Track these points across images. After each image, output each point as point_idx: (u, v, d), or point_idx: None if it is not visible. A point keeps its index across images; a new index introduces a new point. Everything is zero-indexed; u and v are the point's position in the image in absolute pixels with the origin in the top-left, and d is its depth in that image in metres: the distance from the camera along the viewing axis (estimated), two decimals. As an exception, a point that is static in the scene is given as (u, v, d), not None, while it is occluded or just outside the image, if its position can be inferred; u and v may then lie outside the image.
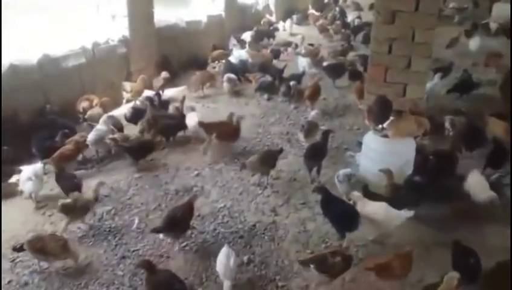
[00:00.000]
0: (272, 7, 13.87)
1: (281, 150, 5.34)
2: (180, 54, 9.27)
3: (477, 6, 15.18)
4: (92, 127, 5.90)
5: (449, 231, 4.17)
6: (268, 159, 5.10)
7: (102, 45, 7.28)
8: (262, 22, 12.82)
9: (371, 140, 4.80)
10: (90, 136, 5.60)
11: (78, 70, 6.81)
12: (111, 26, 7.61)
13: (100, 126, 5.78)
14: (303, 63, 9.01)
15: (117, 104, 7.39)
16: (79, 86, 6.83)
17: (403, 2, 6.09)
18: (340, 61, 9.18)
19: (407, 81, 6.42)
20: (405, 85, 6.43)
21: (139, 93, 7.33)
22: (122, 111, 6.86)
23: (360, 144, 5.24)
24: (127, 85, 7.43)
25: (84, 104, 6.45)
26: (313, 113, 6.59)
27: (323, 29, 12.69)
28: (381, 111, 4.92)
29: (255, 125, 6.83)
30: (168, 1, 13.63)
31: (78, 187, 4.71)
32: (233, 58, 9.52)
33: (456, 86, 8.00)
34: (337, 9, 15.46)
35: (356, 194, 4.27)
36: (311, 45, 10.71)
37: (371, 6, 16.51)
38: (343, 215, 4.06)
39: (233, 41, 10.92)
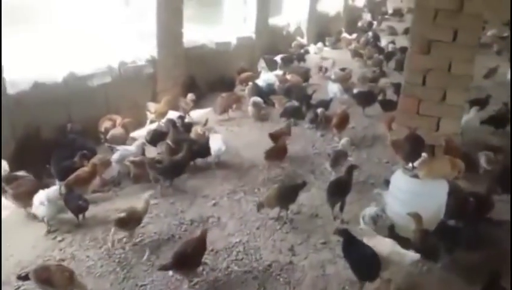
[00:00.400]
0: (304, 29, 13.70)
1: (303, 184, 5.05)
2: (207, 75, 9.18)
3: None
4: (112, 148, 5.79)
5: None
6: (288, 195, 4.83)
7: (129, 64, 7.23)
8: (293, 45, 12.66)
9: (400, 179, 4.48)
10: (115, 155, 5.63)
11: (104, 89, 6.76)
12: (139, 46, 7.56)
13: (131, 148, 5.86)
14: (334, 89, 8.75)
15: (141, 124, 7.31)
16: (104, 105, 6.78)
17: (440, 31, 5.82)
18: (371, 89, 8.86)
19: (442, 115, 6.09)
20: (439, 119, 6.11)
21: (163, 114, 7.22)
22: (144, 132, 6.74)
23: (387, 182, 4.92)
24: (151, 106, 7.35)
25: (106, 124, 6.37)
26: (343, 141, 6.29)
27: (355, 54, 12.43)
28: (413, 149, 4.61)
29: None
30: (200, 19, 13.80)
31: (84, 209, 4.65)
32: (260, 81, 9.37)
33: (491, 119, 7.57)
34: (370, 33, 15.20)
35: (364, 227, 4.02)
36: (343, 69, 10.46)
37: (406, 31, 16.24)
38: (365, 262, 3.75)
39: (262, 63, 10.79)
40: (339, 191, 4.89)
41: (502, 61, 12.00)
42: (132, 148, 5.92)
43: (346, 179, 4.95)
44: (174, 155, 5.73)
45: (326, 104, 8.10)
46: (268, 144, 6.41)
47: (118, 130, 6.35)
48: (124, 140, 6.34)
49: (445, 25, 5.75)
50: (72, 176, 5.01)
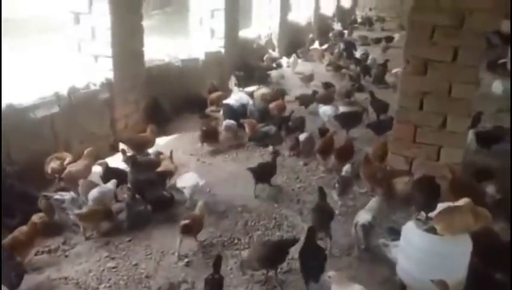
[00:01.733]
0: (275, 41, 12.94)
1: (293, 241, 4.21)
2: (174, 97, 8.24)
3: (492, 46, 14.32)
4: (48, 197, 4.75)
5: None
6: (275, 255, 3.98)
7: (81, 90, 6.24)
8: (265, 58, 11.88)
9: (413, 234, 3.69)
10: (93, 194, 4.83)
11: (50, 121, 5.75)
12: (92, 68, 6.58)
13: (109, 185, 5.09)
14: (327, 111, 7.85)
15: (99, 157, 6.29)
16: (51, 140, 5.76)
17: (438, 50, 5.14)
18: (354, 109, 8.12)
19: (442, 143, 5.42)
20: (439, 147, 5.44)
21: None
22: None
23: (393, 231, 4.16)
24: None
25: (53, 164, 5.35)
26: (346, 168, 5.48)
27: (336, 67, 11.67)
28: (426, 197, 3.85)
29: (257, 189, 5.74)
30: (164, 30, 12.90)
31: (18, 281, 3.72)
32: (232, 101, 8.53)
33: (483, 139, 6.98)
34: (342, 44, 14.57)
35: (332, 273, 3.48)
36: (326, 85, 9.68)
37: (377, 41, 15.79)
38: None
39: (233, 80, 9.94)
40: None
41: (482, 72, 11.60)
42: (110, 186, 5.08)
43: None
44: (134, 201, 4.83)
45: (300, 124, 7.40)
46: (247, 178, 5.60)
47: (76, 166, 5.36)
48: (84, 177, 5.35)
49: (443, 43, 5.10)
50: (7, 240, 4.02)
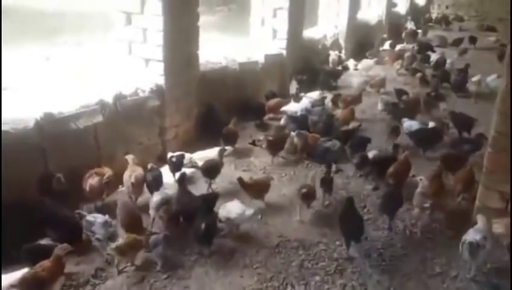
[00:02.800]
0: (342, 41, 11.98)
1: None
2: (229, 103, 7.61)
3: None
4: (89, 222, 4.24)
5: None
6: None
7: (128, 96, 5.75)
8: (331, 60, 10.97)
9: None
10: (155, 198, 4.67)
11: (93, 130, 5.29)
12: (143, 73, 6.08)
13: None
14: (413, 127, 6.81)
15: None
16: (93, 151, 5.31)
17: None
18: (435, 123, 7.04)
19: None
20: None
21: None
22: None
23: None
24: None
25: (92, 181, 4.85)
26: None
27: (413, 72, 10.55)
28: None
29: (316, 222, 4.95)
30: (225, 27, 12.35)
31: None
32: (297, 108, 7.80)
33: None
34: (415, 46, 13.28)
35: None
36: (402, 93, 8.65)
37: (456, 42, 14.30)
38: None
39: (294, 84, 9.17)
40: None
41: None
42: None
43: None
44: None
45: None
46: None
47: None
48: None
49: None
50: (27, 274, 3.54)
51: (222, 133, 6.61)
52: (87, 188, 4.84)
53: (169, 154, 5.83)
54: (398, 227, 4.90)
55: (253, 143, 6.98)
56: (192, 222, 4.40)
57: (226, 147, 6.41)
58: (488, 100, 9.41)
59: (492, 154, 4.51)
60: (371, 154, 6.23)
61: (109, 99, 5.49)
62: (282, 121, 7.42)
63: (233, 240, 4.57)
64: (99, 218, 4.24)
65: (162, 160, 6.14)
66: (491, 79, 9.73)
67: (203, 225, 4.18)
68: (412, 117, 7.23)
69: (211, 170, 5.57)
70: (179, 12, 6.12)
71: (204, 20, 7.15)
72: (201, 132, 6.97)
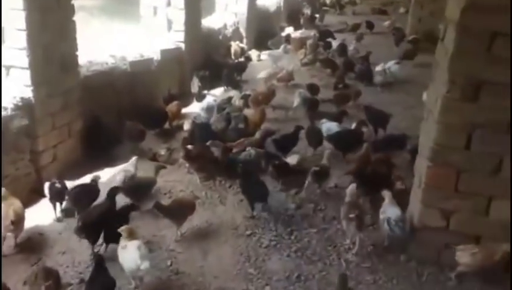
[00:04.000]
0: (243, 30, 11.13)
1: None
2: (122, 111, 6.41)
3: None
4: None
5: None
6: None
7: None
8: (233, 52, 10.09)
9: None
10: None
11: None
12: (3, 85, 4.68)
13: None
14: (332, 129, 6.22)
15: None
16: None
17: (497, 68, 3.64)
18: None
19: (493, 193, 3.97)
20: (489, 199, 3.99)
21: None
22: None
23: None
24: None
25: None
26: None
27: (327, 64, 9.95)
28: None
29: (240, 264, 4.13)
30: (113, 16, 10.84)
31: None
32: (200, 109, 6.89)
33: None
34: (315, 32, 12.83)
35: None
36: (314, 89, 8.04)
37: (354, 28, 14.22)
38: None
39: (196, 82, 8.16)
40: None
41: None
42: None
43: None
44: None
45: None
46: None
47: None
48: None
49: (506, 57, 3.58)
50: None
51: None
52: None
53: (47, 183, 4.62)
54: (332, 257, 4.26)
55: (154, 158, 5.90)
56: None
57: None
58: (393, 89, 9.36)
59: (432, 169, 4.01)
60: (291, 160, 5.61)
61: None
62: (185, 126, 6.46)
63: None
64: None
65: (37, 193, 4.87)
66: (391, 65, 9.62)
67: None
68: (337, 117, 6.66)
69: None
70: (47, 4, 4.79)
71: (87, 3, 5.85)
72: (87, 149, 5.73)
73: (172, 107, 6.84)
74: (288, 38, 11.55)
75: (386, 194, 4.38)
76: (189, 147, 5.44)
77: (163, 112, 6.80)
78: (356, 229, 4.19)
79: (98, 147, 5.73)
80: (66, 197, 4.55)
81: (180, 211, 4.25)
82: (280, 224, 4.64)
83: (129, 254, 3.60)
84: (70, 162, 5.41)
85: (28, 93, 4.77)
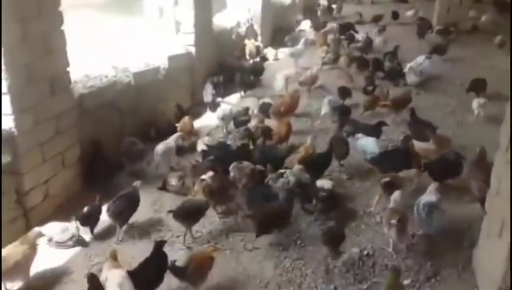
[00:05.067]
0: (257, 27, 10.17)
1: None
2: (126, 131, 5.56)
3: None
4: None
5: None
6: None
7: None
8: (248, 52, 9.14)
9: None
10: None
11: None
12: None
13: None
14: (370, 147, 5.27)
15: None
16: None
17: None
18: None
19: None
20: None
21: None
22: None
23: None
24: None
25: None
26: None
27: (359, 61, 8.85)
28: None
29: None
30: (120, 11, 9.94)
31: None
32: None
33: None
34: (335, 24, 11.78)
35: None
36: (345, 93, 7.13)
37: (376, 19, 13.14)
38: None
39: (209, 89, 7.26)
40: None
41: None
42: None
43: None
44: None
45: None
46: None
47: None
48: None
49: None
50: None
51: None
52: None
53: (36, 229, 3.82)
54: None
55: (164, 187, 5.04)
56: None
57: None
58: (428, 89, 8.30)
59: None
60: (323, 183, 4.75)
61: None
62: (199, 146, 5.60)
63: None
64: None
65: (27, 243, 4.03)
66: (421, 62, 8.59)
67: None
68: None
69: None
70: (27, 13, 3.93)
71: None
72: (87, 181, 4.90)
73: (184, 125, 5.91)
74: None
75: (433, 185, 4.29)
76: (206, 177, 4.53)
77: (173, 129, 5.92)
78: (397, 235, 3.86)
79: (100, 177, 4.89)
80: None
81: (199, 271, 3.40)
82: (320, 278, 3.74)
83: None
84: (66, 197, 4.59)
85: (9, 123, 3.92)
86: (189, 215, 4.09)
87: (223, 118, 6.25)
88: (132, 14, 8.75)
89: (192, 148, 5.77)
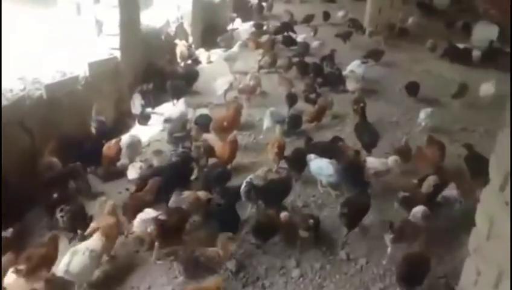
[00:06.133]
0: (187, 26, 9.33)
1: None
2: (41, 155, 4.59)
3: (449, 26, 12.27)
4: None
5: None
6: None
7: None
8: (179, 54, 8.30)
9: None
10: None
11: None
12: None
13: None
14: (325, 169, 4.70)
15: None
16: None
17: None
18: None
19: None
20: None
21: None
22: None
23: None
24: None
25: None
26: None
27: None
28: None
29: None
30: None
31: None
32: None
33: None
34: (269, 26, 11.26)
35: None
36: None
37: (307, 19, 12.74)
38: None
39: (137, 100, 6.39)
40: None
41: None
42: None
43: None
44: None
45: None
46: None
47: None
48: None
49: None
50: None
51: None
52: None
53: None
54: None
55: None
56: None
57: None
58: (369, 97, 7.96)
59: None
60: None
61: None
62: (129, 174, 4.77)
63: None
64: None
65: None
66: (356, 67, 8.32)
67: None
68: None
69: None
70: None
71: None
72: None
73: (109, 150, 4.99)
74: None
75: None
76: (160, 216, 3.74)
77: (98, 145, 5.03)
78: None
79: (7, 219, 3.93)
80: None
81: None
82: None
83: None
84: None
85: None
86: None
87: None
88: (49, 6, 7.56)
89: (121, 174, 4.91)
